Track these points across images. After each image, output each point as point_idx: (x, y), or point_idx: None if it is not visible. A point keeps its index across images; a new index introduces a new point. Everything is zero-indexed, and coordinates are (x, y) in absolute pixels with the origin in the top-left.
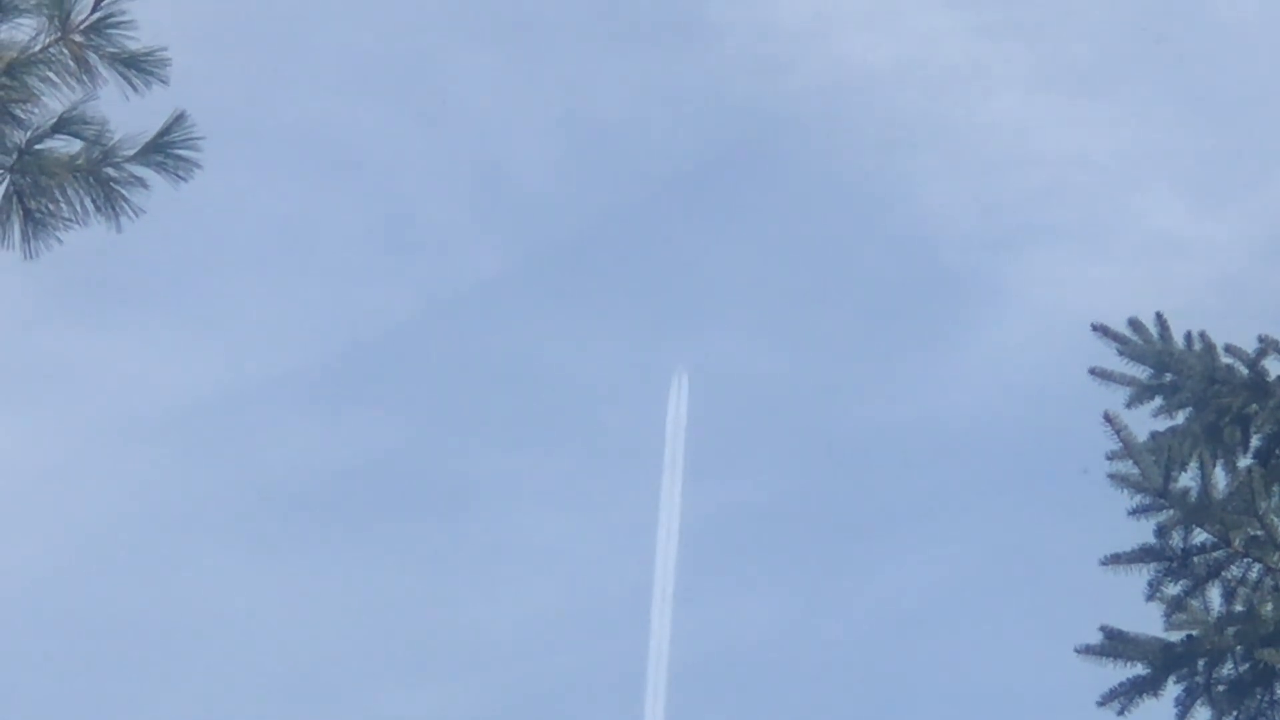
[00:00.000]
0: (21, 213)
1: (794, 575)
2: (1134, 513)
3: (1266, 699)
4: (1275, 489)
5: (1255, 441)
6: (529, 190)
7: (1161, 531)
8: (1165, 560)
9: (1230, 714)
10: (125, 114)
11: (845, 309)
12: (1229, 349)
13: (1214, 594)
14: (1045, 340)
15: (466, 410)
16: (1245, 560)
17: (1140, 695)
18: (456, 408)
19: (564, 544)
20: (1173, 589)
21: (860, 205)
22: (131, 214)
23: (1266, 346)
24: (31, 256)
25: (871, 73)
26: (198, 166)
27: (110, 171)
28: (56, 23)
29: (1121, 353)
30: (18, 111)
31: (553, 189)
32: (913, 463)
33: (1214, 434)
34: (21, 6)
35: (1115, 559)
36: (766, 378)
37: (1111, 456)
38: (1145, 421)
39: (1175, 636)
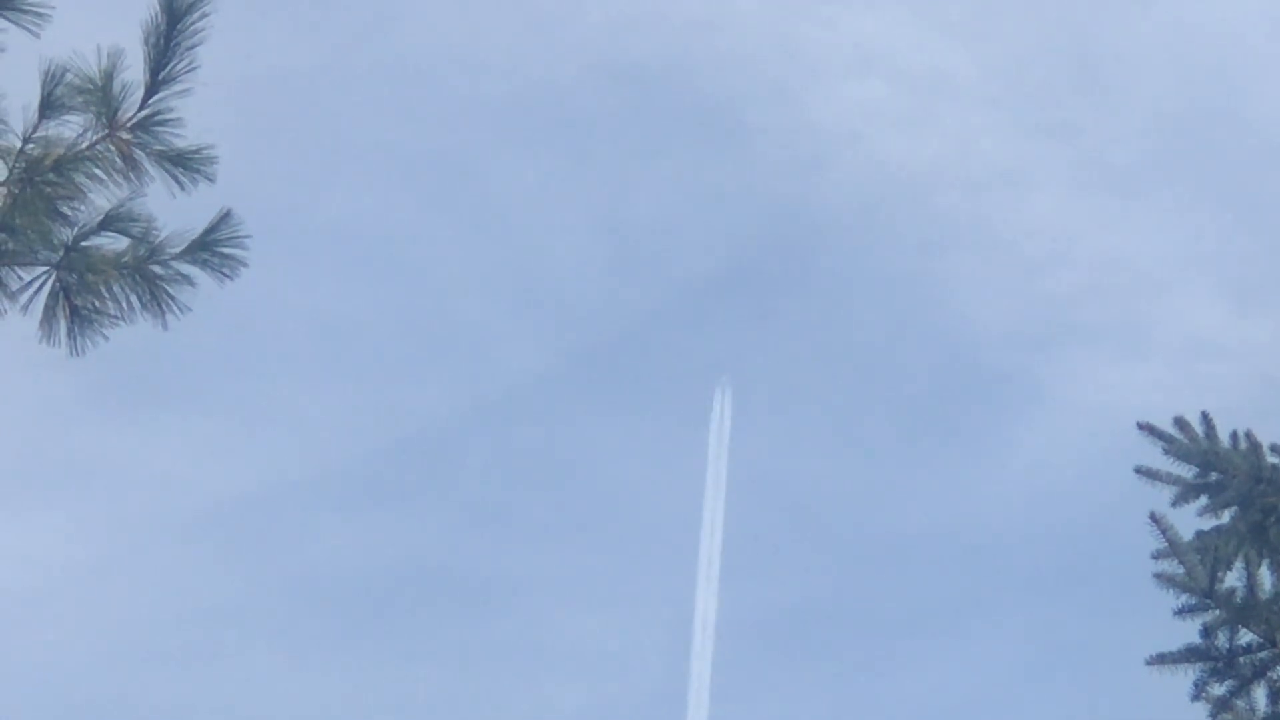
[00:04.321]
0: (68, 310)
1: (832, 675)
2: (1180, 612)
3: None
4: None
5: None
6: (567, 290)
7: (1207, 631)
8: (1211, 660)
9: None
10: (172, 211)
11: (884, 409)
12: (1275, 448)
13: (1260, 694)
14: (1087, 440)
15: (503, 508)
16: None
17: None
18: (493, 506)
19: (600, 642)
20: (1218, 689)
21: (899, 306)
22: (177, 312)
23: None
24: (78, 354)
25: (910, 173)
26: (244, 265)
27: (156, 269)
28: (104, 120)
29: (1167, 452)
30: (65, 208)
31: (591, 289)
32: (955, 562)
33: (1260, 533)
34: (69, 104)
35: (1161, 659)
36: (805, 478)
37: (1157, 556)
38: (1190, 521)
39: None
